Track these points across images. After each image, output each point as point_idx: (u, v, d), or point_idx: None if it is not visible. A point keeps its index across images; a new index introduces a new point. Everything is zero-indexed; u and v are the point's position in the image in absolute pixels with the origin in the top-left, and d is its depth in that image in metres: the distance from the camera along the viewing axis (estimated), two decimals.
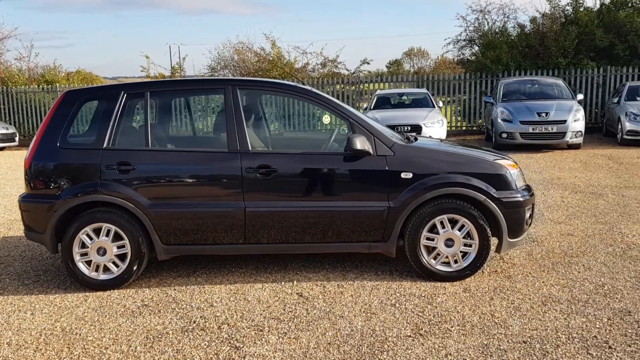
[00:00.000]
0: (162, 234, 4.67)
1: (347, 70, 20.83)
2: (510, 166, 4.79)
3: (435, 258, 4.68)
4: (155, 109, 4.83)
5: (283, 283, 4.73)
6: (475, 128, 18.79)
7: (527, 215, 4.76)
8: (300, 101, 5.23)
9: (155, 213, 4.61)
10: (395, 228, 4.62)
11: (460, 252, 4.66)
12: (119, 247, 4.68)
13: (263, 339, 3.72)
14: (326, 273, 4.94)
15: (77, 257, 4.68)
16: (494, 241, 4.80)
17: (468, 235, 4.65)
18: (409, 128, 12.90)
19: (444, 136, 13.13)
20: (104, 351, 3.62)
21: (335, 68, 21.26)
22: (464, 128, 18.98)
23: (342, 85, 19.18)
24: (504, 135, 13.28)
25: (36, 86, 20.30)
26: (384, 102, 15.13)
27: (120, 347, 3.67)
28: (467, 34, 21.13)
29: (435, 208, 4.59)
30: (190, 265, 5.25)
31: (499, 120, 13.43)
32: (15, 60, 22.77)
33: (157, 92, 4.88)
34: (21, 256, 5.81)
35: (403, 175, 4.58)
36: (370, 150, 4.58)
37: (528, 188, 4.91)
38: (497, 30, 20.29)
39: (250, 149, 4.64)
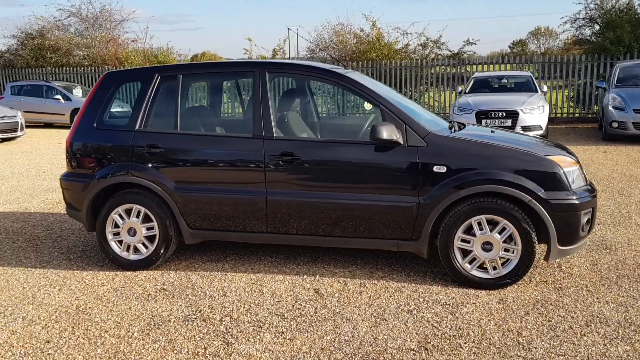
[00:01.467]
0: (188, 218, 4.62)
1: (449, 51, 19.86)
2: (566, 163, 4.18)
3: (471, 262, 4.22)
4: (187, 92, 4.76)
5: (305, 277, 4.51)
6: (590, 115, 17.22)
7: (584, 220, 4.14)
8: (333, 86, 4.95)
9: (180, 196, 4.57)
10: (426, 226, 4.21)
11: (500, 257, 4.17)
12: (148, 229, 4.71)
13: (258, 337, 3.54)
14: (354, 269, 4.65)
15: (109, 236, 4.77)
16: (542, 248, 4.25)
17: (510, 239, 4.14)
18: (504, 114, 12.06)
19: (544, 123, 12.13)
20: (103, 334, 3.63)
21: (438, 49, 20.34)
22: (577, 115, 17.47)
23: (444, 68, 18.37)
24: (615, 124, 12.00)
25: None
26: (481, 85, 14.26)
27: (119, 331, 3.67)
28: (586, 12, 19.30)
29: (472, 207, 4.12)
30: (224, 251, 5.19)
31: (610, 108, 12.14)
32: (132, 42, 24.21)
33: (190, 74, 4.80)
34: (79, 230, 6.07)
35: (436, 168, 4.16)
36: (400, 140, 4.19)
37: (589, 189, 4.28)
38: (621, 7, 18.33)
39: (274, 134, 4.44)
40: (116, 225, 4.75)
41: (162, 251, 4.69)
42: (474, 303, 3.97)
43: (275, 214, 4.45)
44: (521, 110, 12.01)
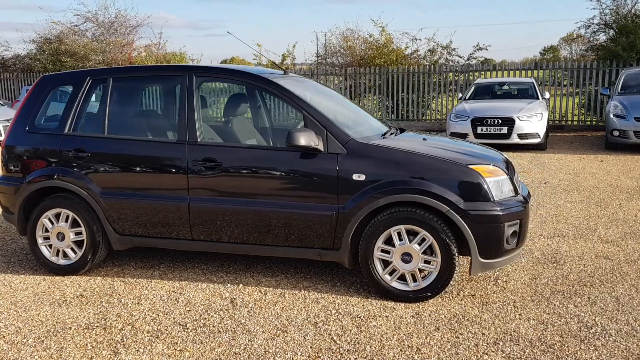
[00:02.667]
0: (114, 224, 4.57)
1: (459, 57, 19.56)
2: (490, 173, 3.99)
3: (391, 273, 4.06)
4: (117, 95, 4.71)
5: (228, 285, 4.41)
6: (602, 123, 16.69)
7: (509, 232, 3.95)
8: (260, 91, 4.88)
9: (106, 201, 4.52)
10: (346, 235, 4.08)
11: (420, 269, 4.00)
12: (76, 234, 4.67)
13: (149, 347, 3.45)
14: (281, 278, 4.53)
15: (40, 240, 4.75)
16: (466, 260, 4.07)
17: (431, 251, 3.97)
18: (500, 121, 11.78)
19: (542, 131, 11.79)
20: None
21: (449, 55, 20.05)
22: (588, 123, 16.96)
23: (452, 74, 18.01)
24: (616, 133, 11.59)
25: None
26: (483, 92, 13.96)
27: (16, 337, 3.62)
28: (601, 18, 18.77)
29: (391, 216, 3.97)
30: (161, 257, 5.12)
31: (612, 116, 11.74)
32: (146, 47, 24.46)
33: (120, 77, 4.76)
34: None
35: (355, 176, 4.02)
36: (319, 147, 4.07)
37: (519, 200, 4.08)
38: (637, 12, 17.78)
39: (198, 140, 4.36)
40: (46, 230, 4.72)
41: (89, 257, 4.64)
42: (386, 316, 3.81)
43: (199, 221, 4.36)
44: (517, 117, 11.71)
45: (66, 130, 4.65)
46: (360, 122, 4.84)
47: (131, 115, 4.87)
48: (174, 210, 4.38)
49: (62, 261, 4.72)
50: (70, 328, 3.74)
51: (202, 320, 3.80)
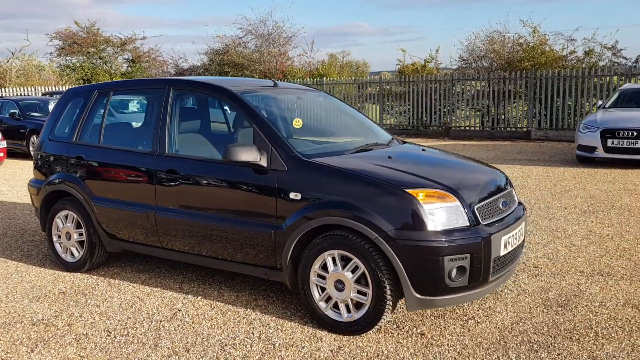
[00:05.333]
0: (105, 227, 4.85)
1: (625, 59, 17.30)
2: (431, 198, 3.46)
3: (327, 301, 3.75)
4: (113, 107, 4.99)
5: (190, 296, 4.42)
6: None
7: (451, 267, 3.39)
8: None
9: (96, 206, 4.82)
10: (284, 256, 3.85)
11: (355, 299, 3.63)
12: (79, 235, 5.05)
13: (62, 350, 3.59)
14: (244, 294, 4.42)
15: (54, 238, 5.23)
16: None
17: (365, 280, 3.58)
18: (635, 133, 10.17)
19: None
20: None
21: (615, 57, 17.85)
22: None
23: (618, 77, 15.75)
24: None
25: (309, 79, 22.40)
26: (628, 100, 12.11)
27: None
28: None
29: (325, 240, 3.66)
30: (165, 262, 5.30)
31: None
32: (297, 56, 25.58)
33: (119, 90, 5.05)
34: None
35: (292, 195, 3.78)
36: (261, 162, 3.89)
37: (471, 231, 3.48)
38: None
39: (166, 151, 4.44)
40: (58, 229, 5.18)
41: (88, 256, 4.98)
42: (303, 347, 3.52)
43: (163, 230, 4.45)
44: None
45: (73, 139, 5.06)
46: (351, 134, 4.54)
47: (121, 125, 5.13)
48: (145, 218, 4.52)
49: (69, 258, 5.14)
50: (21, 322, 4.05)
51: (129, 329, 3.87)
